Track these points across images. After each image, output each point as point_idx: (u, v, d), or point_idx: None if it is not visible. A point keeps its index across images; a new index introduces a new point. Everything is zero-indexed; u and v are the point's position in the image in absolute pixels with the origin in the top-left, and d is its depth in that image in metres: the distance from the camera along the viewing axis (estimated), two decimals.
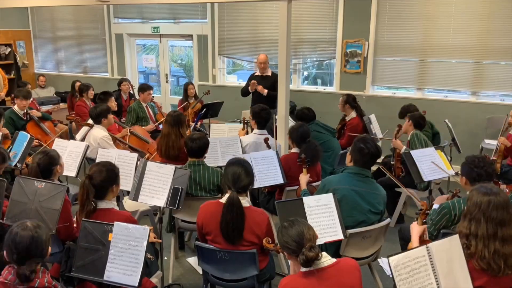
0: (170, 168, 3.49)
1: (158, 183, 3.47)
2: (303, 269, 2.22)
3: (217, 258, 2.97)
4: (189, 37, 8.81)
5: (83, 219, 2.74)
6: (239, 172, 2.94)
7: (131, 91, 7.72)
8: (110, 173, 2.97)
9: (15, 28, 9.97)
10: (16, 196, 3.15)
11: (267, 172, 4.05)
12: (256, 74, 6.77)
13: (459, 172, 3.27)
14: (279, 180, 4.02)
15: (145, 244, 2.56)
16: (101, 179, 2.91)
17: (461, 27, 6.50)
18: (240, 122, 5.46)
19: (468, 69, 6.67)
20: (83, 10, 9.55)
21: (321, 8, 7.41)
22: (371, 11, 6.98)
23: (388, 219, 3.40)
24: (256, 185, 3.94)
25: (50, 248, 2.31)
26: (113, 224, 2.62)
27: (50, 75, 10.00)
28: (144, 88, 6.73)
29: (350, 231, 3.16)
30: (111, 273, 2.57)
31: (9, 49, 9.83)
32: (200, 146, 3.87)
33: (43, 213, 3.04)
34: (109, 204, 2.98)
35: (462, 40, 6.55)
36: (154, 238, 3.08)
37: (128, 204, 4.07)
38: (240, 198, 2.91)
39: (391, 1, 6.89)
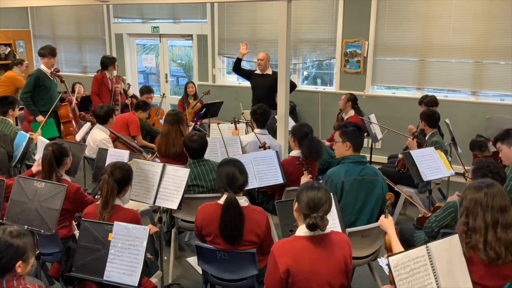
0: (185, 171, 3.49)
1: (173, 186, 3.48)
2: (299, 233, 2.35)
3: (217, 258, 2.97)
4: (189, 37, 8.81)
5: (82, 219, 2.74)
6: (233, 172, 2.89)
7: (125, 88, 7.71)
8: (128, 172, 3.07)
9: (14, 28, 9.97)
10: (16, 196, 3.15)
11: (267, 172, 4.05)
12: (256, 71, 6.76)
13: (467, 175, 3.25)
14: (279, 180, 4.02)
15: (145, 244, 2.56)
16: (121, 177, 2.98)
17: (461, 27, 6.50)
18: (232, 123, 5.45)
19: (468, 69, 6.67)
20: (83, 10, 9.54)
21: (321, 8, 7.41)
22: (371, 11, 6.98)
23: None
24: (256, 184, 3.95)
25: (22, 264, 2.09)
26: (113, 224, 2.63)
27: None
28: (143, 90, 6.79)
29: (349, 230, 3.15)
30: (111, 273, 2.57)
31: (8, 49, 9.83)
32: (200, 146, 3.89)
33: (42, 213, 3.04)
34: (117, 201, 3.01)
35: (462, 40, 6.54)
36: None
37: (128, 203, 4.06)
38: (238, 198, 2.88)
39: (391, 1, 6.89)
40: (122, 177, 2.99)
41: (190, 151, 3.92)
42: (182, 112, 5.12)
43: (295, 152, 4.20)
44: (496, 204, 2.37)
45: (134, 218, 2.91)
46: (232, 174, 2.88)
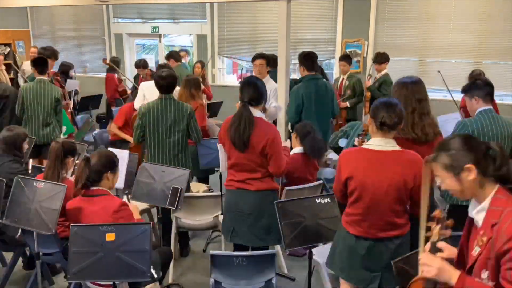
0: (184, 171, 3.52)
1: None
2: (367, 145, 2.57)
3: (233, 264, 2.83)
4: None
5: (71, 224, 2.67)
6: (248, 86, 3.19)
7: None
8: (107, 159, 2.95)
9: (14, 28, 9.96)
10: (16, 196, 3.14)
11: None
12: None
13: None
14: None
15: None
16: (97, 163, 2.88)
17: (461, 27, 6.51)
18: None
19: (467, 69, 6.64)
20: (82, 9, 9.54)
21: (321, 8, 7.41)
22: (371, 11, 6.99)
23: None
24: None
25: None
26: (110, 224, 2.57)
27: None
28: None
29: None
30: None
31: (8, 49, 9.82)
32: (169, 83, 3.97)
33: (42, 213, 3.04)
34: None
35: (461, 40, 6.55)
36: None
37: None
38: (252, 109, 3.11)
39: (391, 1, 6.89)
40: (100, 164, 2.88)
41: (159, 87, 3.99)
42: (199, 79, 5.10)
43: (297, 149, 4.20)
44: (415, 96, 2.85)
45: (119, 207, 2.81)
46: (246, 87, 3.18)
